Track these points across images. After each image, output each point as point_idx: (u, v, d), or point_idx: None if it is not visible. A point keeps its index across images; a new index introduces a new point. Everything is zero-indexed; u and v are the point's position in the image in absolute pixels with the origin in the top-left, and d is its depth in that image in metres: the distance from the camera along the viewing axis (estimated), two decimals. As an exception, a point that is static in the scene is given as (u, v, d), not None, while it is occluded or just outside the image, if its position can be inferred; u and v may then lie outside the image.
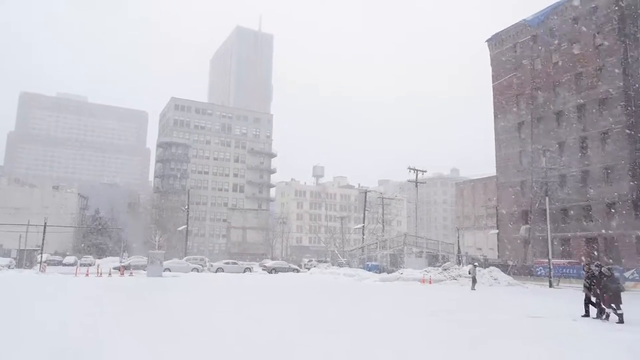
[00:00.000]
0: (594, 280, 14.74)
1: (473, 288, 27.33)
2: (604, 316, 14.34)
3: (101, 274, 35.42)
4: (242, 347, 9.28)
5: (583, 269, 15.82)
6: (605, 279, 14.25)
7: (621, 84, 42.09)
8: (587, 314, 14.98)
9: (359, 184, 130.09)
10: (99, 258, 69.72)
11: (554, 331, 12.26)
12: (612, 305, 13.80)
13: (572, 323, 13.81)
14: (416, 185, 47.59)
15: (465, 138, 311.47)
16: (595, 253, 41.92)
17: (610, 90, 42.92)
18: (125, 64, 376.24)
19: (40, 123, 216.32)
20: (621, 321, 13.54)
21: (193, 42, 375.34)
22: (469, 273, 29.22)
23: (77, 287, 24.10)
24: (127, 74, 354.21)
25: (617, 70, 42.63)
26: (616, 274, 15.48)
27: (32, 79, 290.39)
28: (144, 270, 38.51)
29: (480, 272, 32.27)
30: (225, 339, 10.08)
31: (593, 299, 14.93)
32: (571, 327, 13.12)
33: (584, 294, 15.45)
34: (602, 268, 14.84)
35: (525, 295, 25.01)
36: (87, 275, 34.41)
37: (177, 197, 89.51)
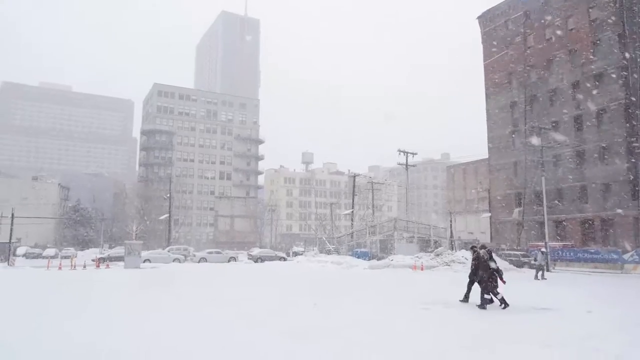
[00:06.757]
0: (478, 264, 13.37)
1: (544, 277, 25.35)
2: (502, 305, 12.84)
3: (75, 266, 33.47)
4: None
5: (471, 254, 14.25)
6: (489, 261, 13.12)
7: (618, 59, 40.43)
8: (466, 299, 13.70)
9: (349, 170, 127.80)
10: (81, 250, 67.63)
11: (568, 328, 10.53)
12: (491, 290, 12.89)
13: (587, 315, 12.15)
14: (406, 168, 45.95)
15: (456, 122, 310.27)
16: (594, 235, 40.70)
17: (607, 65, 41.26)
18: (110, 52, 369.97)
19: (23, 113, 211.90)
20: (483, 307, 12.67)
21: (181, 28, 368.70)
22: (534, 261, 27.48)
23: (33, 282, 22.14)
24: (113, 62, 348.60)
25: (613, 45, 40.95)
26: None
27: (14, 68, 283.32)
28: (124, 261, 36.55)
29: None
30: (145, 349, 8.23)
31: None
32: (589, 322, 11.42)
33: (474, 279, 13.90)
34: (481, 251, 13.51)
35: (523, 282, 23.46)
36: (59, 268, 32.35)
37: (162, 186, 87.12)
